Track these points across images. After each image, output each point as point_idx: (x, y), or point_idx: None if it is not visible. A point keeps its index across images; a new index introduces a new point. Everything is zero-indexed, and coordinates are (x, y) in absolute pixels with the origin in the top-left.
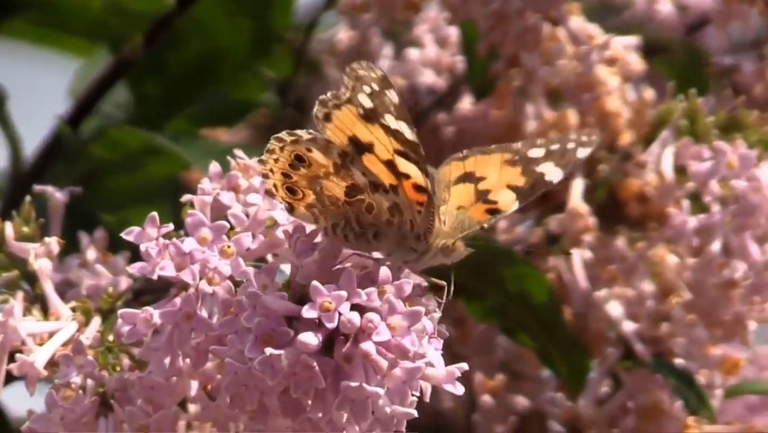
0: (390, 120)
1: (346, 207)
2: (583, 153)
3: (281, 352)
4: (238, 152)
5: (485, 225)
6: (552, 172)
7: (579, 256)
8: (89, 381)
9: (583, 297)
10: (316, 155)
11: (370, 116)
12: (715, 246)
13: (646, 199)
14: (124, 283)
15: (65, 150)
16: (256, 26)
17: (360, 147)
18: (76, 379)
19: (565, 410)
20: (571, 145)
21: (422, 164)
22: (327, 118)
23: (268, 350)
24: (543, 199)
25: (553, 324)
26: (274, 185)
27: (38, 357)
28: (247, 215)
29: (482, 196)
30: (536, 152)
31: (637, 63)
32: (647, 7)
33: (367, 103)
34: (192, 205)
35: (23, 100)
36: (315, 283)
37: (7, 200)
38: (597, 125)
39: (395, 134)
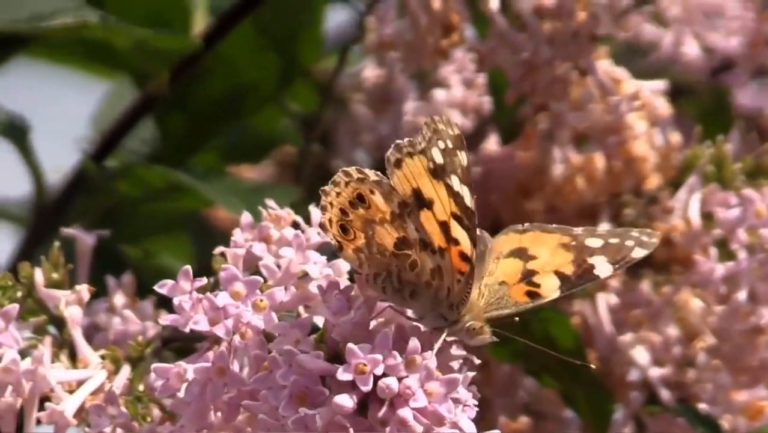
0: (455, 181)
1: (391, 259)
2: (639, 253)
3: (316, 412)
4: (270, 202)
5: (520, 308)
6: (602, 268)
7: (604, 300)
8: (119, 431)
9: (607, 341)
10: (378, 199)
11: (438, 173)
12: (742, 294)
13: (672, 244)
14: (152, 329)
15: (90, 185)
16: (284, 61)
17: (421, 201)
18: (107, 430)
19: None
20: (629, 243)
21: (473, 233)
22: (398, 164)
23: (303, 410)
24: None
25: (578, 368)
26: (330, 220)
27: (68, 406)
28: (278, 266)
29: (527, 276)
30: (594, 242)
31: (664, 108)
32: (673, 49)
33: (439, 158)
34: (223, 256)
35: (44, 119)
36: (350, 345)
37: (31, 232)
38: (623, 169)
39: (456, 197)
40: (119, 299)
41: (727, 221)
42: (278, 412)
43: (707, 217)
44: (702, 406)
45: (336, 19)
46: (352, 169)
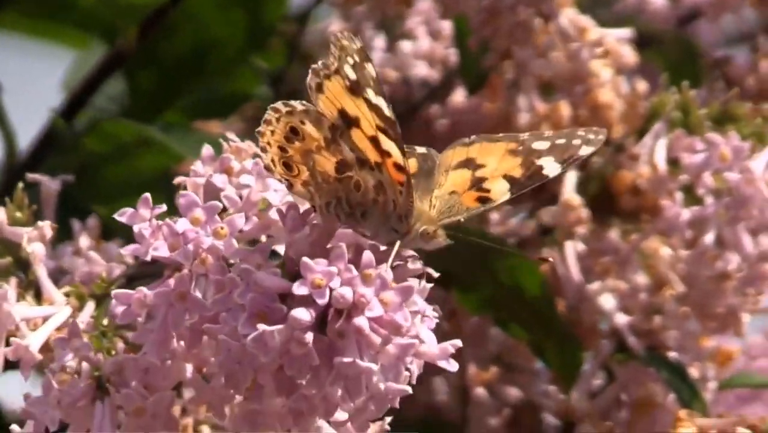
0: (371, 94)
1: (336, 184)
2: (586, 151)
3: (274, 328)
4: (231, 135)
5: (472, 212)
6: (551, 167)
7: (572, 248)
8: (84, 365)
9: (576, 289)
10: (309, 128)
11: (354, 89)
12: (709, 238)
13: (639, 192)
14: (118, 269)
15: (59, 142)
16: (250, 18)
17: (348, 121)
18: (71, 363)
19: (559, 403)
20: (576, 141)
21: (400, 143)
22: (319, 88)
23: (261, 327)
24: (536, 191)
25: (546, 316)
26: (272, 160)
27: (33, 341)
28: (241, 198)
29: (477, 183)
30: (540, 144)
31: (630, 56)
32: None
33: (352, 74)
34: (185, 188)
35: (16, 92)
36: (305, 259)
37: (2, 191)
38: (589, 117)
39: (376, 110)
40: (84, 241)
41: (693, 166)
42: (238, 332)
43: (674, 163)
44: (671, 353)
45: None
46: (279, 105)
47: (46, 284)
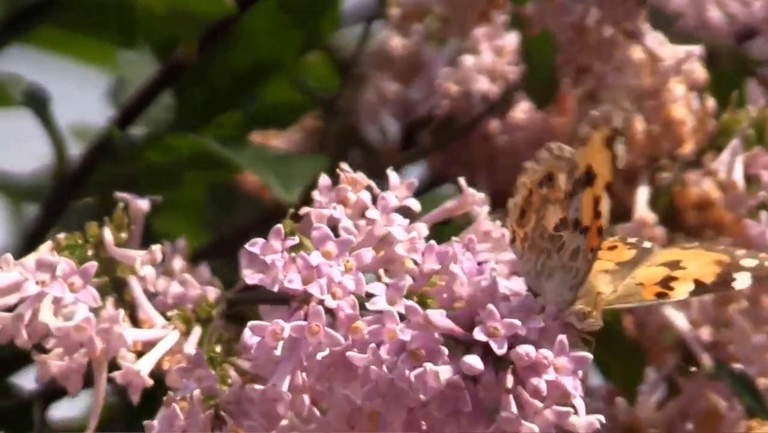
0: (621, 150)
1: (547, 243)
2: None
3: (440, 369)
4: (344, 166)
5: (644, 304)
6: (742, 281)
7: None
8: (196, 393)
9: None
10: (562, 178)
11: (612, 140)
12: None
13: (704, 208)
14: (212, 292)
15: (115, 153)
16: (304, 37)
17: (590, 178)
18: (196, 393)
19: (625, 414)
20: None
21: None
22: (584, 141)
23: (428, 366)
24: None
25: (612, 334)
26: (515, 203)
27: (144, 366)
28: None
29: (666, 280)
30: (749, 262)
31: (700, 72)
32: (697, 15)
33: (619, 123)
34: (294, 218)
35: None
36: (490, 306)
37: (51, 201)
38: (662, 132)
39: (613, 165)
40: (177, 263)
41: None
42: (383, 364)
43: (749, 180)
44: (737, 366)
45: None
46: (554, 146)
47: (147, 306)
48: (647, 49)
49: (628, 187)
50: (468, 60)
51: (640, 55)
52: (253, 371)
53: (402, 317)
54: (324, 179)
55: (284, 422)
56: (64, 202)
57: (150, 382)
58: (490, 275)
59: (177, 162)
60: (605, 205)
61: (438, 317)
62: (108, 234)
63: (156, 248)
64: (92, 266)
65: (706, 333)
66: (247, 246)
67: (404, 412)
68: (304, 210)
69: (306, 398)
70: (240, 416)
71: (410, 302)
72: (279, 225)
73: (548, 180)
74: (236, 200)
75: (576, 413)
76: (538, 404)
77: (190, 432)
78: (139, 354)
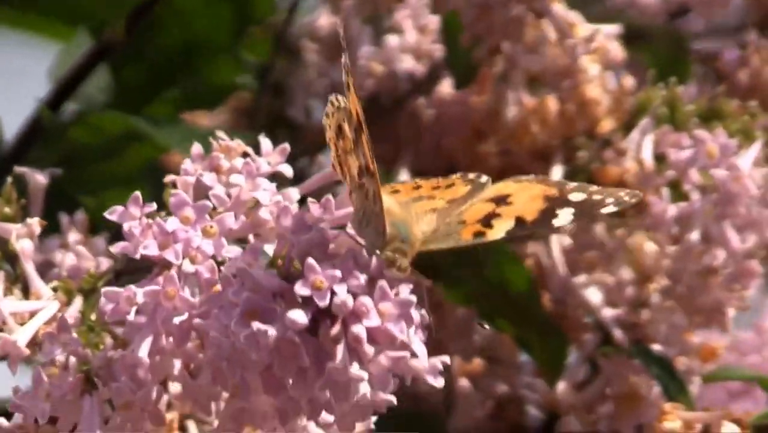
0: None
1: (358, 192)
2: (608, 209)
3: (268, 327)
4: (220, 133)
5: (459, 244)
6: (563, 218)
7: (558, 242)
8: (72, 359)
9: (561, 283)
10: (346, 128)
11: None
12: (695, 234)
13: (625, 187)
14: (106, 264)
15: (45, 133)
16: (237, 13)
17: (360, 123)
18: (59, 357)
19: (544, 395)
20: (609, 199)
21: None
22: (347, 86)
23: (255, 325)
24: None
25: (531, 310)
26: (332, 157)
27: (20, 336)
28: (229, 196)
29: (488, 218)
30: (577, 196)
31: (617, 51)
32: None
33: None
34: (174, 186)
35: (3, 84)
36: (310, 260)
37: None
38: (576, 112)
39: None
40: (72, 235)
41: (680, 162)
42: (229, 330)
43: (660, 159)
44: (656, 347)
45: None
46: (333, 98)
47: (34, 278)
48: (556, 27)
49: (544, 166)
50: (392, 40)
51: (553, 35)
52: (123, 336)
53: None
54: (196, 147)
55: (156, 386)
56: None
57: (27, 352)
58: (317, 230)
59: (107, 140)
60: (366, 142)
61: (264, 276)
62: None
63: (32, 221)
64: None
65: (625, 313)
66: (105, 213)
67: (254, 373)
68: (169, 177)
69: (177, 362)
70: (111, 381)
71: (242, 264)
72: (137, 192)
73: (340, 132)
74: None
75: (416, 356)
76: (368, 350)
77: (56, 395)
78: None
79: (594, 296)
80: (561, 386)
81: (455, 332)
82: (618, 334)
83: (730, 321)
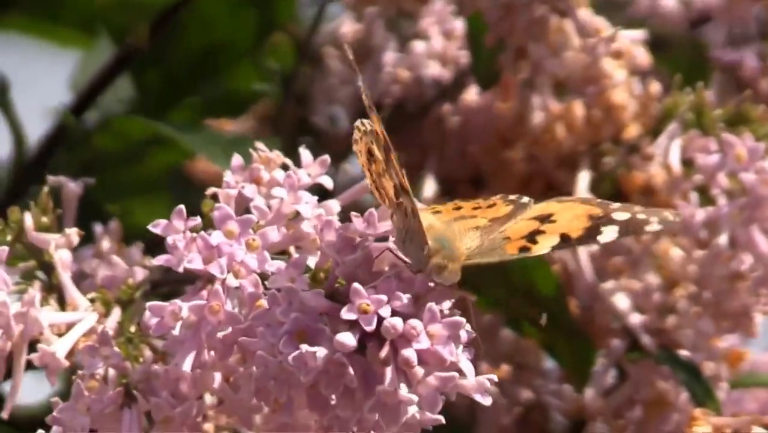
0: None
1: (398, 212)
2: (652, 228)
3: (317, 349)
4: (260, 145)
5: (504, 258)
6: (608, 234)
7: (585, 248)
8: (111, 372)
9: (588, 289)
10: (375, 150)
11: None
12: (723, 239)
13: (651, 192)
14: (140, 274)
15: (69, 140)
16: (260, 19)
17: (387, 142)
18: (100, 370)
19: (571, 402)
20: (653, 218)
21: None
22: (369, 108)
23: (304, 347)
24: (548, 191)
25: (559, 316)
26: (370, 183)
27: (59, 347)
28: (269, 208)
29: (532, 234)
30: (621, 215)
31: (643, 57)
32: (651, 2)
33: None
34: (216, 198)
35: (20, 92)
36: (355, 285)
37: (11, 189)
38: (603, 118)
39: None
40: (106, 244)
41: (707, 166)
42: (274, 349)
43: (687, 164)
44: (683, 352)
45: None
46: (359, 123)
47: (71, 289)
48: (578, 27)
49: (570, 172)
50: (418, 46)
51: (576, 40)
52: (164, 349)
53: None
54: (236, 159)
55: (196, 401)
56: (23, 188)
57: (66, 363)
58: (362, 249)
59: (130, 146)
60: (395, 161)
61: (311, 297)
62: (28, 218)
63: (71, 231)
64: (2, 250)
65: (652, 319)
66: (149, 226)
67: (299, 391)
68: (210, 190)
69: (217, 376)
70: (151, 394)
71: (288, 284)
72: (181, 206)
73: (371, 156)
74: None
75: (464, 375)
76: (418, 372)
77: (95, 409)
78: None
79: (621, 301)
80: (588, 392)
81: (482, 337)
82: (645, 339)
83: (757, 326)
